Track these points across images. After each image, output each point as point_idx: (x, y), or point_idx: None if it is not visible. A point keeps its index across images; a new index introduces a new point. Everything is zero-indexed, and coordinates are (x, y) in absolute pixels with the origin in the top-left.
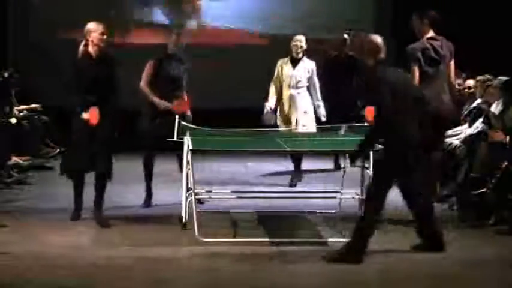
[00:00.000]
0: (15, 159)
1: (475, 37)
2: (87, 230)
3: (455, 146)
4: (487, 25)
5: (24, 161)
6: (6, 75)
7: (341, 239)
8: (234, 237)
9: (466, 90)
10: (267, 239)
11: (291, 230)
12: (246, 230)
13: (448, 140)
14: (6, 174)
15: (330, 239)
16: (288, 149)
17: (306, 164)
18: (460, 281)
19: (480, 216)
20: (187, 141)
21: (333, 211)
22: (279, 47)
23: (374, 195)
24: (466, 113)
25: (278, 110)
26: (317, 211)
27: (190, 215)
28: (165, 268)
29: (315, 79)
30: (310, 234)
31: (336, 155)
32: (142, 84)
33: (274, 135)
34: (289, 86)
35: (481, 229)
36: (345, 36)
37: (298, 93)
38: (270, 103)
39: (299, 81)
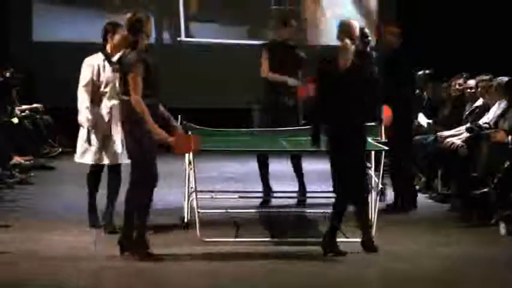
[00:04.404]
0: (17, 159)
1: (476, 37)
2: (88, 230)
3: (457, 145)
4: (488, 25)
5: (26, 161)
6: (7, 74)
7: (342, 239)
8: (236, 237)
9: (468, 90)
10: (268, 239)
11: (292, 230)
12: (247, 230)
13: (450, 139)
14: (8, 174)
15: None
16: (289, 149)
17: (306, 164)
18: (461, 281)
19: (482, 216)
20: None
21: None
22: None
23: None
24: (467, 113)
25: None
26: (318, 211)
27: (192, 215)
28: (166, 268)
29: None
30: (311, 234)
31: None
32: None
33: (276, 135)
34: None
35: (482, 229)
36: None
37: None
38: None
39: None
